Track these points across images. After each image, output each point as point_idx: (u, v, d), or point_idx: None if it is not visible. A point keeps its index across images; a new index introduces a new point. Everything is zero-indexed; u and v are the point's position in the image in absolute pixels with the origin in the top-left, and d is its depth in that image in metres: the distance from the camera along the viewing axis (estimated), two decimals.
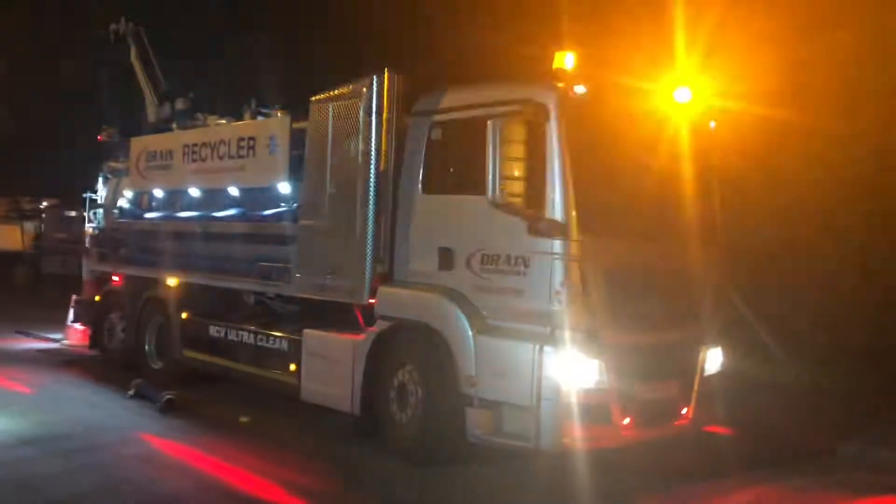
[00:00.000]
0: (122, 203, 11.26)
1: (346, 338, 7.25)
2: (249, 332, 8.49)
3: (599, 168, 6.04)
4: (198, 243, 9.43)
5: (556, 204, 5.82)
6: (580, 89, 5.94)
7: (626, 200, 6.17)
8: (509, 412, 6.02)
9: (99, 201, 12.47)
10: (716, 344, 6.92)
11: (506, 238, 6.08)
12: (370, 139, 7.09)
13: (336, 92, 7.54)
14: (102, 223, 12.17)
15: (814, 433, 7.96)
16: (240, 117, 10.23)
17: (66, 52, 22.08)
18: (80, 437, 7.26)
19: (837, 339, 9.63)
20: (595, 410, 5.85)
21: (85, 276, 12.21)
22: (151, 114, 12.79)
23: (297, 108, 8.75)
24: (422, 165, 6.85)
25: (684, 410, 6.62)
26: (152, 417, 8.14)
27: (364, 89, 7.13)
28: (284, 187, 8.35)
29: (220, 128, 9.65)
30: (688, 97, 6.76)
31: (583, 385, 5.79)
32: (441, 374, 6.40)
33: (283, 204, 8.38)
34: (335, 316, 7.70)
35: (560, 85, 5.96)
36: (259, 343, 8.37)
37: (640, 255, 6.24)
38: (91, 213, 12.62)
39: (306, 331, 7.71)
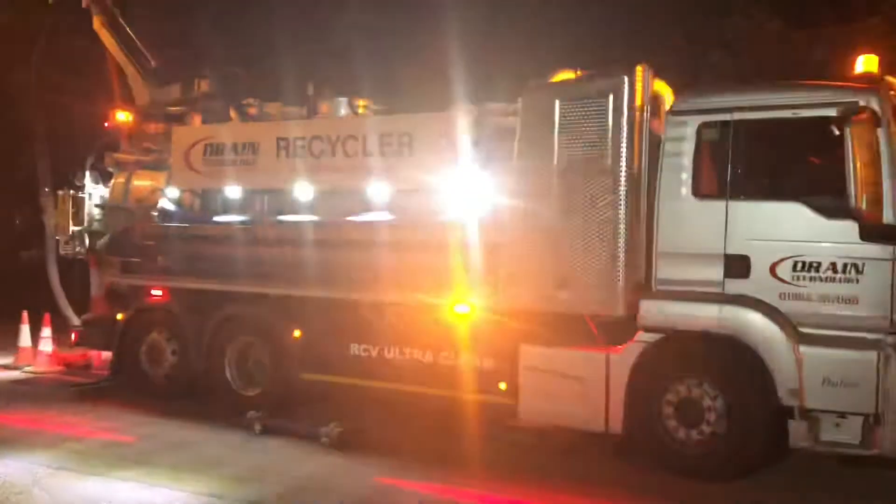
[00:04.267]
0: (164, 204, 9.52)
1: (596, 352, 6.76)
2: (424, 349, 7.62)
3: None
4: (318, 252, 8.23)
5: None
6: None
7: None
8: (837, 420, 5.98)
9: (90, 199, 10.52)
10: None
11: (831, 244, 5.98)
12: (620, 139, 6.62)
13: (565, 86, 6.95)
14: (108, 227, 10.27)
15: None
16: (310, 105, 9.12)
17: None
18: (318, 494, 6.12)
19: None
20: None
21: (95, 290, 10.23)
22: (142, 95, 11.00)
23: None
24: (690, 168, 6.52)
25: None
26: (340, 456, 7.02)
27: (611, 84, 6.63)
28: (459, 190, 7.55)
29: (346, 121, 8.47)
30: None
31: None
32: (751, 386, 6.20)
33: (457, 209, 7.57)
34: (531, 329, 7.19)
35: (892, 90, 5.98)
36: (441, 361, 7.55)
37: None
38: (73, 213, 10.58)
39: (524, 346, 7.08)
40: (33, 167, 13.05)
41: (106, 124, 10.40)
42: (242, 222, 8.87)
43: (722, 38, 13.33)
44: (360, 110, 9.16)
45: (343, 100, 9.08)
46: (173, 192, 9.47)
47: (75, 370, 11.30)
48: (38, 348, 11.48)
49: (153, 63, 11.30)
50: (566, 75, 7.34)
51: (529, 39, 10.78)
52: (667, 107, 6.94)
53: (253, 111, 9.50)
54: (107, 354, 11.02)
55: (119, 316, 9.76)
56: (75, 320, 11.68)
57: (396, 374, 7.80)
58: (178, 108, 10.38)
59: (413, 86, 8.94)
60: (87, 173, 10.53)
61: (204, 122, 9.80)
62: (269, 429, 7.79)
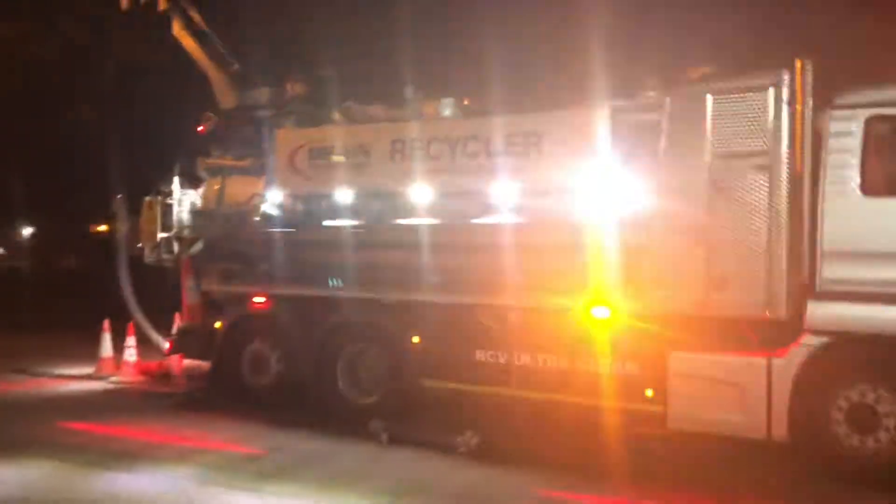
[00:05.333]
0: (267, 208, 9.29)
1: (756, 357, 6.50)
2: (560, 356, 7.37)
3: None
4: (439, 256, 7.98)
5: None
6: None
7: None
8: None
9: (179, 205, 10.31)
10: None
11: None
12: (780, 134, 6.38)
13: (719, 81, 6.70)
14: (201, 233, 10.06)
15: None
16: (414, 107, 8.90)
17: None
18: None
19: None
20: None
21: (190, 299, 10.01)
22: (228, 99, 10.79)
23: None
24: (858, 164, 6.26)
25: None
26: (486, 466, 6.74)
27: (771, 79, 6.39)
28: (595, 190, 7.30)
29: (467, 122, 8.19)
30: None
31: None
32: None
33: (593, 209, 7.31)
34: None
35: None
36: (579, 368, 7.29)
37: None
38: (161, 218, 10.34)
39: (674, 351, 6.82)
40: (75, 175, 12.87)
41: (199, 128, 10.20)
42: (354, 226, 8.65)
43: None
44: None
45: (449, 100, 8.85)
46: (276, 196, 9.23)
47: (156, 380, 11.13)
48: (124, 358, 11.31)
49: (237, 66, 11.13)
50: (706, 71, 7.12)
51: (658, 33, 10.52)
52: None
53: (356, 113, 9.30)
54: (189, 363, 10.94)
55: (217, 324, 9.56)
56: (151, 331, 11.51)
57: (528, 382, 7.55)
58: (267, 111, 10.22)
59: (526, 84, 8.64)
60: (176, 179, 10.36)
61: (296, 125, 9.60)
62: (397, 438, 7.56)
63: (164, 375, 11.18)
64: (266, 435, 7.93)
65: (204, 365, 10.61)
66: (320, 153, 8.82)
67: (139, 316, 11.88)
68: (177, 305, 11.01)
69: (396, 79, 9.53)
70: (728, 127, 6.59)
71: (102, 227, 28.64)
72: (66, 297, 22.42)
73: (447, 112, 8.74)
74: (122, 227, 12.20)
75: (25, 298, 21.49)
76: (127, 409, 9.31)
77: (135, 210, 12.01)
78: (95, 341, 11.77)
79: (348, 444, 7.59)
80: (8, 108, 19.87)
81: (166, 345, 10.36)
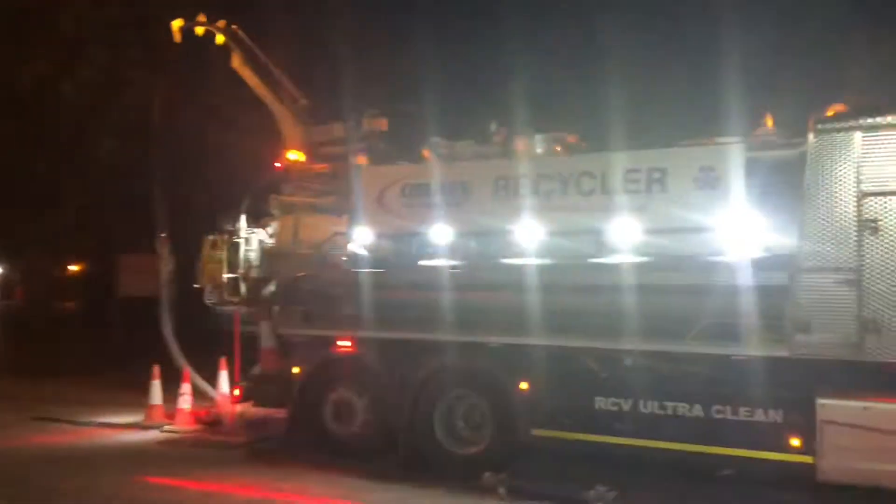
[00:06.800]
0: (354, 248, 8.87)
1: None
2: (692, 403, 6.98)
3: None
4: (553, 297, 7.59)
5: None
6: None
7: None
8: None
9: (246, 244, 9.88)
10: None
11: None
12: None
13: (868, 117, 6.49)
14: (273, 273, 9.61)
15: None
16: (506, 143, 8.63)
17: None
18: None
19: None
20: None
21: (266, 343, 9.51)
22: (293, 134, 10.46)
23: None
24: None
25: None
26: None
27: None
28: (727, 228, 7.02)
29: (582, 158, 7.92)
30: None
31: None
32: None
33: (725, 248, 7.03)
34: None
35: None
36: (714, 416, 6.91)
37: None
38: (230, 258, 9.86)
39: (823, 399, 6.50)
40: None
41: (276, 165, 9.82)
42: (454, 266, 8.26)
43: None
44: (558, 147, 8.67)
45: (543, 135, 8.58)
46: (362, 235, 8.82)
47: (208, 427, 10.56)
48: (178, 406, 10.69)
49: (304, 100, 10.81)
50: (845, 107, 6.93)
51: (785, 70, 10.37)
52: None
53: (442, 150, 8.99)
54: (243, 410, 10.41)
55: (295, 370, 9.07)
56: (197, 377, 10.98)
57: (657, 431, 7.14)
58: (341, 147, 9.89)
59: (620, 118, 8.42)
60: (243, 216, 9.94)
61: (377, 162, 9.26)
62: (517, 492, 7.10)
63: (215, 422, 10.63)
64: (368, 489, 7.45)
65: (256, 412, 10.22)
66: (414, 191, 8.47)
67: (182, 360, 11.36)
68: (224, 349, 10.59)
69: (485, 114, 9.28)
70: (879, 165, 6.37)
71: (74, 267, 27.79)
72: (69, 340, 21.69)
73: (539, 149, 8.49)
74: (166, 267, 11.79)
75: (26, 341, 20.71)
76: (200, 461, 8.74)
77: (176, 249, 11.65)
78: (119, 386, 11.05)
79: (462, 498, 7.14)
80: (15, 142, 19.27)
81: (234, 391, 9.82)
